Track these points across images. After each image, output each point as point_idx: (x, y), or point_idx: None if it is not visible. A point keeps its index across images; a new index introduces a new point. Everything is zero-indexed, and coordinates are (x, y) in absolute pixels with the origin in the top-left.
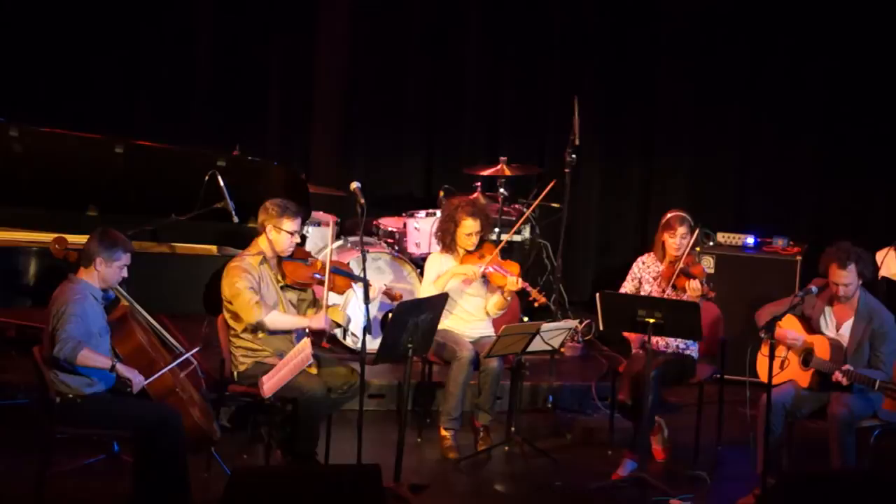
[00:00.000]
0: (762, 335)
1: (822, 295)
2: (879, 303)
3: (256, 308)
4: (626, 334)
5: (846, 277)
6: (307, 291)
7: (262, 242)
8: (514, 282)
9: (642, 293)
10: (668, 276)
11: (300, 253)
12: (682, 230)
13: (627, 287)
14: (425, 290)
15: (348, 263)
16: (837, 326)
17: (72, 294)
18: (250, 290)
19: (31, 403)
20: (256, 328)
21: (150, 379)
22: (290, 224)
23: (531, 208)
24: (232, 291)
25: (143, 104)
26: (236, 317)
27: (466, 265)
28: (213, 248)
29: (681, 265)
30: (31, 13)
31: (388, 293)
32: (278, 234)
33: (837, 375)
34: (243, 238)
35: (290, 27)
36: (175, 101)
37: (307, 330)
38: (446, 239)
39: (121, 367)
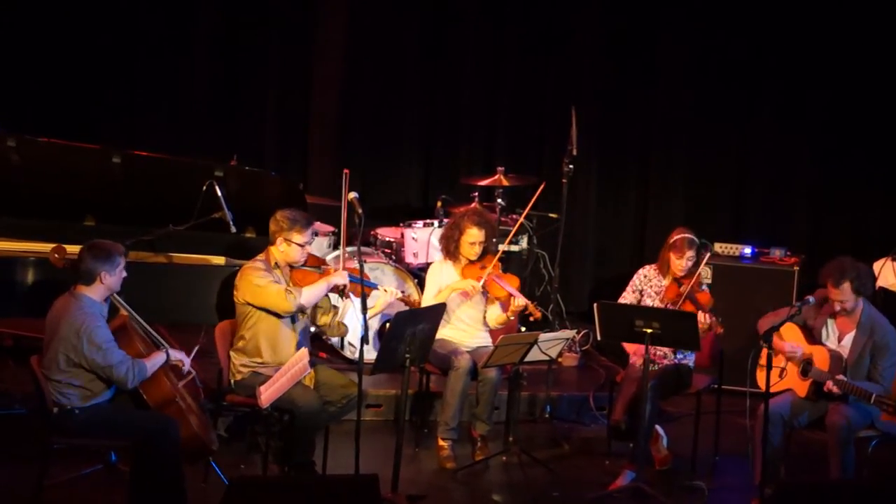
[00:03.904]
0: (762, 344)
1: (825, 307)
2: (882, 316)
3: (289, 295)
4: (624, 345)
5: (840, 295)
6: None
7: (274, 252)
8: (520, 303)
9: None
10: (671, 298)
11: (313, 261)
12: (689, 253)
13: (628, 298)
14: (427, 304)
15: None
16: (839, 338)
17: (80, 317)
18: (274, 282)
19: (28, 413)
20: (295, 314)
21: (188, 359)
22: (300, 237)
23: (523, 214)
24: (255, 291)
25: (140, 114)
26: (238, 325)
27: (467, 280)
28: (213, 259)
29: (686, 290)
30: (28, 22)
31: (405, 300)
32: (289, 245)
33: (829, 384)
34: (241, 248)
35: (289, 38)
36: (173, 110)
37: (307, 337)
38: (450, 246)
39: (172, 353)
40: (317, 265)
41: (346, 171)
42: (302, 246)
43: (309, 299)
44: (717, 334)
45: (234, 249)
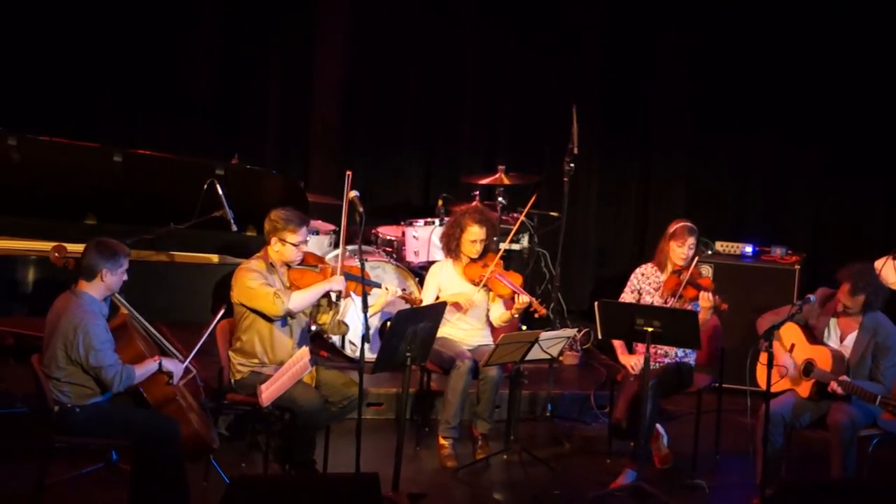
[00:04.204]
0: (762, 348)
1: (827, 307)
2: (885, 316)
3: (277, 299)
4: (613, 342)
5: (851, 302)
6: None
7: (270, 251)
8: (525, 300)
9: None
10: (672, 287)
11: (312, 259)
12: (690, 240)
13: (627, 298)
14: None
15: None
16: (841, 338)
17: (79, 314)
18: (265, 285)
19: (29, 412)
20: (285, 318)
21: (181, 367)
22: (294, 236)
23: (523, 214)
24: (247, 294)
25: (141, 113)
26: (235, 325)
27: (462, 295)
28: (212, 257)
29: (687, 276)
30: (31, 22)
31: (405, 298)
32: (283, 245)
33: (833, 385)
34: (242, 246)
35: (289, 36)
36: (174, 109)
37: (307, 336)
38: (451, 244)
39: (165, 362)
40: (314, 264)
41: (348, 172)
42: (296, 245)
43: (298, 305)
44: (722, 310)
45: (236, 248)
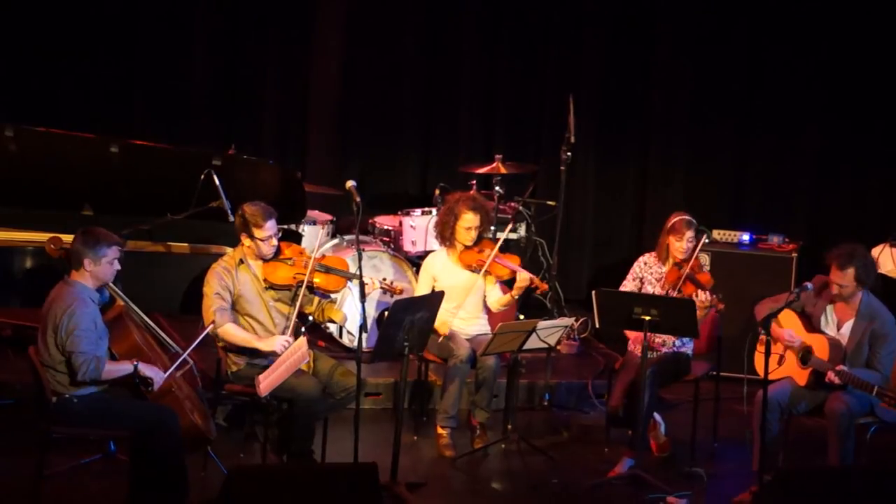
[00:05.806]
0: (761, 331)
1: (824, 294)
2: (882, 304)
3: (212, 316)
4: (626, 333)
5: (842, 279)
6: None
7: (244, 246)
8: (524, 277)
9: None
10: (672, 280)
11: (291, 252)
12: (689, 234)
13: (629, 287)
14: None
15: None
16: (838, 326)
17: (70, 300)
18: (215, 295)
19: (21, 403)
20: (272, 307)
21: (168, 372)
22: (260, 231)
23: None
24: (204, 292)
25: (139, 103)
26: None
27: (444, 324)
28: (209, 248)
29: (687, 271)
30: (28, 13)
31: (386, 288)
32: (251, 241)
33: (830, 375)
34: (239, 237)
35: (287, 26)
36: (171, 100)
37: (303, 329)
38: (445, 232)
39: (142, 367)
40: (290, 257)
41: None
42: (263, 241)
43: (225, 337)
44: (719, 310)
45: (232, 239)
